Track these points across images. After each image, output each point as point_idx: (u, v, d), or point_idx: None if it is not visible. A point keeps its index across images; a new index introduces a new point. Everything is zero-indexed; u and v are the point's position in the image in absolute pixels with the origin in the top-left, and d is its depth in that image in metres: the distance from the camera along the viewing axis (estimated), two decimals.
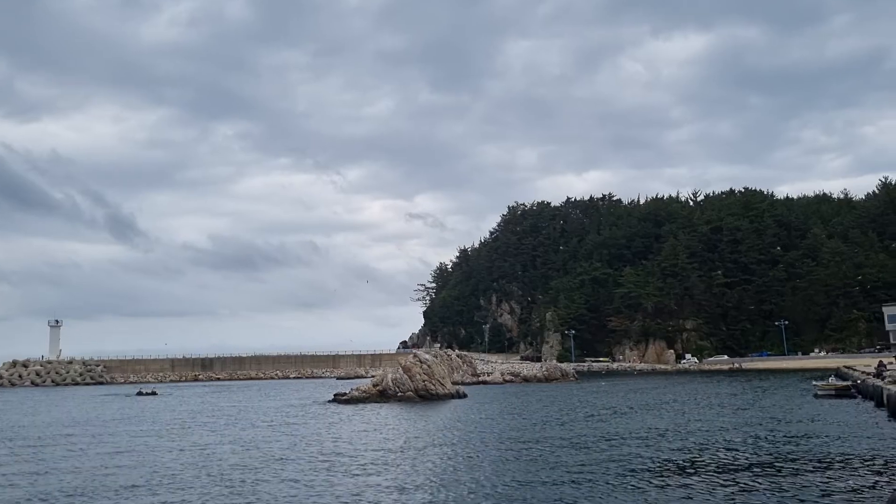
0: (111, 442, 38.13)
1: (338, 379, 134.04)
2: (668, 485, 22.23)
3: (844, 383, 60.54)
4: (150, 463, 29.86)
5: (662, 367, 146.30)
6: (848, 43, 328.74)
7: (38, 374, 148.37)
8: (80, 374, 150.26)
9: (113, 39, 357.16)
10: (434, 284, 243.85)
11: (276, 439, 37.46)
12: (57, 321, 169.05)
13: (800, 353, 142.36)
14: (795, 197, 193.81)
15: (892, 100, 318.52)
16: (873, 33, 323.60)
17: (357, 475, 25.65)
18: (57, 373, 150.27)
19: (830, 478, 22.70)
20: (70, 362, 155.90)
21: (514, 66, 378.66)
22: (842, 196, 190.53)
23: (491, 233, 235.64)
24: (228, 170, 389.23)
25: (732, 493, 20.81)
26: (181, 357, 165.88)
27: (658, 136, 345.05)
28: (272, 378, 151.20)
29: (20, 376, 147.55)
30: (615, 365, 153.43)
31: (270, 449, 33.44)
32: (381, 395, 66.52)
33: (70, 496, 22.98)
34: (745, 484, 22.08)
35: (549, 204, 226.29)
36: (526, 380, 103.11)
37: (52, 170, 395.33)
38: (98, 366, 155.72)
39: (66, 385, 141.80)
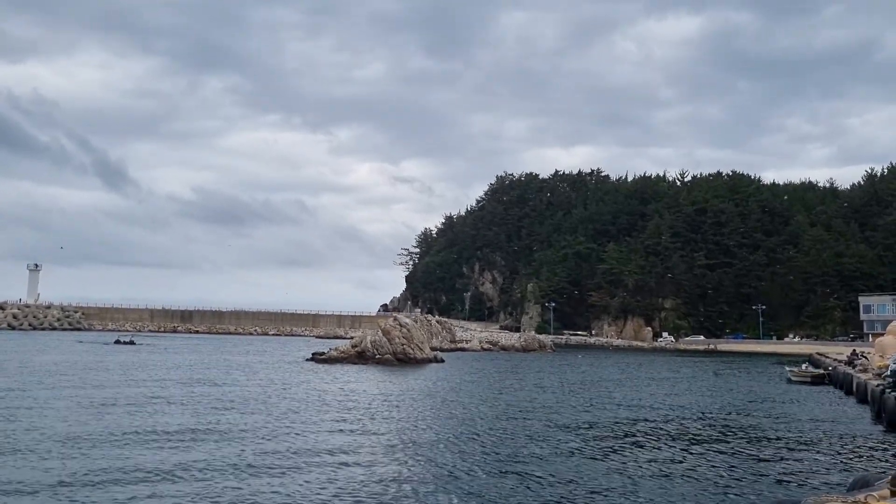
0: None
1: (317, 338, 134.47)
2: (628, 455, 22.61)
3: (819, 371, 59.61)
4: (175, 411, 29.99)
5: (639, 343, 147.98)
6: (837, 34, 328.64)
7: (14, 317, 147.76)
8: (58, 320, 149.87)
9: None
10: (418, 249, 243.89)
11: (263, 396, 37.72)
12: (36, 265, 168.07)
13: (774, 337, 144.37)
14: (781, 183, 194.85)
15: (878, 93, 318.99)
16: (863, 26, 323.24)
17: (344, 433, 25.89)
18: (34, 317, 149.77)
19: (796, 460, 23.18)
20: (48, 307, 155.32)
21: (507, 36, 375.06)
22: (827, 185, 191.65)
23: (478, 201, 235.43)
24: (216, 124, 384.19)
25: (697, 469, 21.21)
26: (161, 308, 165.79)
27: (646, 115, 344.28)
28: (251, 334, 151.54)
29: None
30: (593, 339, 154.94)
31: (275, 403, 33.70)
32: (360, 357, 66.82)
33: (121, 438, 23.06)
34: (711, 462, 22.49)
35: (536, 176, 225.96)
36: (504, 349, 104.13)
37: (36, 111, 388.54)
38: (76, 312, 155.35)
39: (44, 329, 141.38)
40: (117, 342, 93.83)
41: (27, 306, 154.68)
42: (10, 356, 62.86)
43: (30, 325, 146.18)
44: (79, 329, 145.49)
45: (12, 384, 39.03)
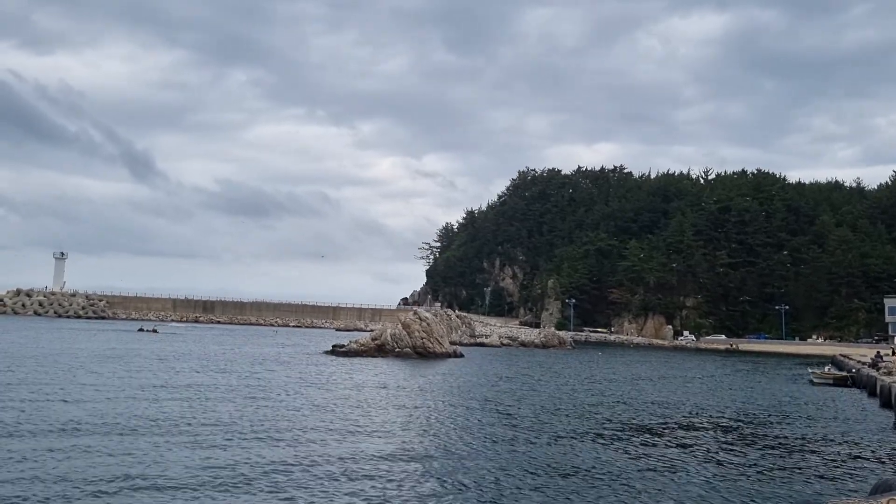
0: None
1: (337, 330, 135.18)
2: (651, 455, 22.59)
3: (842, 373, 58.55)
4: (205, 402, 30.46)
5: (659, 342, 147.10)
6: (864, 33, 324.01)
7: (41, 305, 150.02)
8: (83, 308, 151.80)
9: None
10: (439, 244, 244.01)
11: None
12: (62, 253, 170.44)
13: (797, 338, 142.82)
14: (807, 183, 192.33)
15: None
16: (890, 25, 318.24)
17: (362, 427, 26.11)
18: (60, 304, 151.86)
19: (818, 463, 23.04)
20: (73, 295, 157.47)
21: (529, 32, 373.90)
22: (854, 185, 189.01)
23: (499, 196, 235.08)
24: (240, 116, 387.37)
25: (718, 470, 21.15)
26: (183, 298, 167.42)
27: (669, 113, 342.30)
28: (271, 325, 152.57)
29: (24, 305, 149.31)
30: (613, 336, 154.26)
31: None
32: (379, 350, 67.11)
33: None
34: (732, 463, 22.42)
35: (559, 171, 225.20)
36: (523, 344, 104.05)
37: (63, 101, 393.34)
38: (101, 300, 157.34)
39: (69, 317, 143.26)
40: (140, 331, 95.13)
41: (53, 294, 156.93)
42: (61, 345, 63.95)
43: (55, 312, 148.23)
44: (103, 318, 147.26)
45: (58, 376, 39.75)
